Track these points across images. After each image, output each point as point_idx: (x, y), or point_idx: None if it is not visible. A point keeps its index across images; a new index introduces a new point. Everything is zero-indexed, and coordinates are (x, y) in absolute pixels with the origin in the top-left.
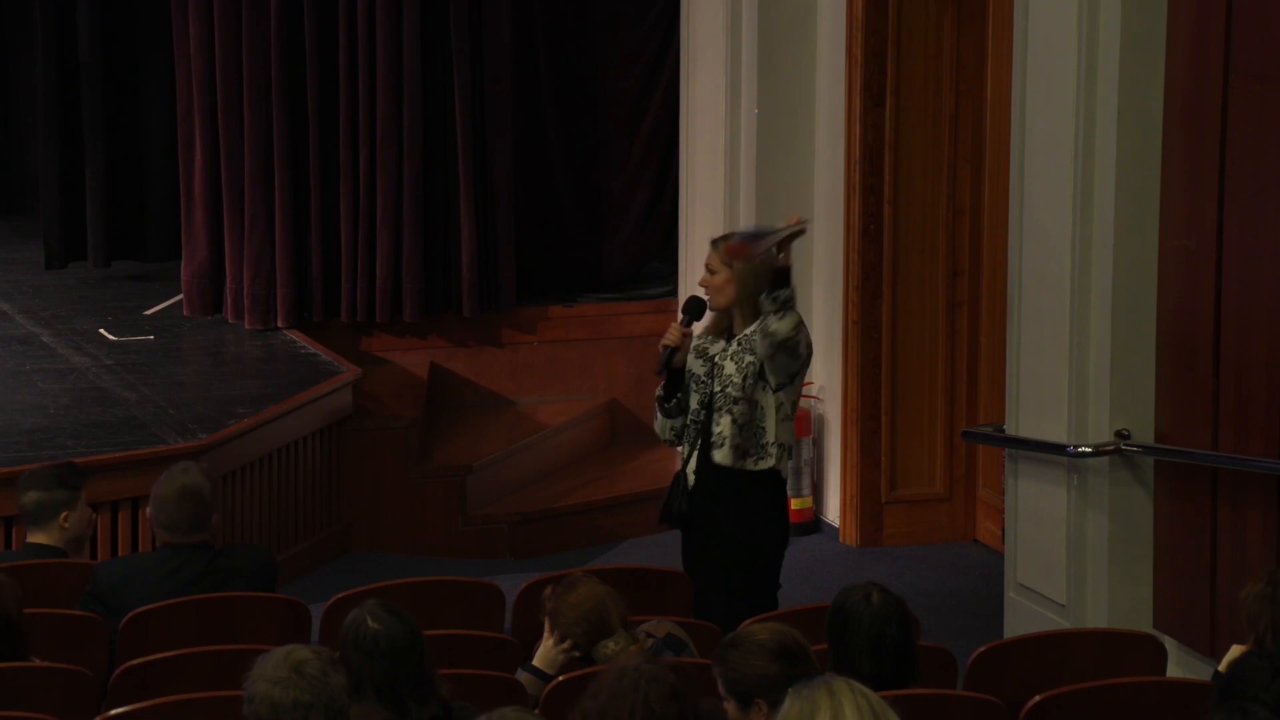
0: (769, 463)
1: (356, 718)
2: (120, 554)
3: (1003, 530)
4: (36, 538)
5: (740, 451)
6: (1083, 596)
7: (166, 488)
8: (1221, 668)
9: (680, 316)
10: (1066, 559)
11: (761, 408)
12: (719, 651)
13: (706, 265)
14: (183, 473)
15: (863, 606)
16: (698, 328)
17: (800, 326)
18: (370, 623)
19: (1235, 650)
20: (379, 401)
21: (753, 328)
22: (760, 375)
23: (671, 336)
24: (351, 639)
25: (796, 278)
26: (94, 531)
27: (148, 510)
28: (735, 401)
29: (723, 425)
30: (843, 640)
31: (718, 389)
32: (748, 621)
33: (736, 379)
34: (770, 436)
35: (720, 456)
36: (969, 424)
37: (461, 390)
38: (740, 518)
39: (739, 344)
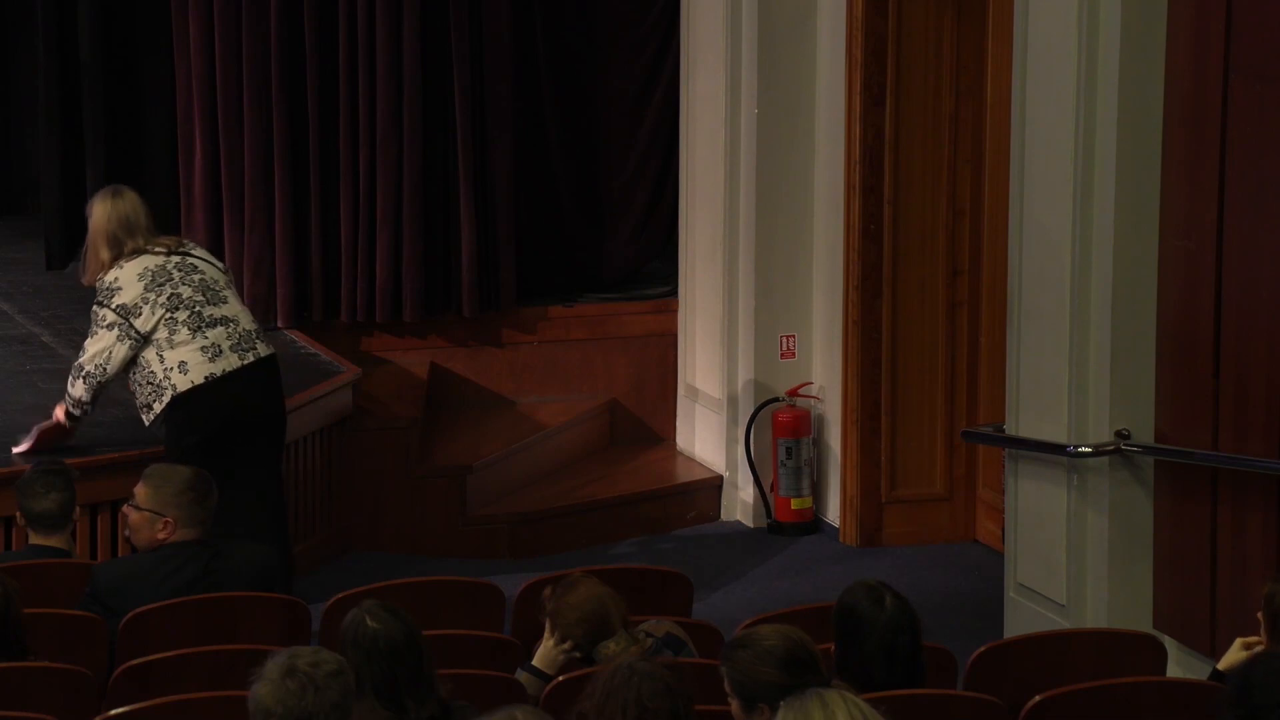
0: (163, 404)
1: (355, 717)
2: (120, 554)
3: (1003, 530)
4: (49, 540)
5: (140, 409)
6: (1083, 596)
7: (176, 480)
8: (1222, 665)
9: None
10: (1066, 559)
11: (141, 363)
12: (727, 649)
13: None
14: (173, 469)
15: (876, 612)
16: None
17: (95, 320)
18: (369, 622)
19: (1238, 644)
20: (379, 401)
21: None
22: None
23: None
24: (350, 639)
25: (797, 278)
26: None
27: (146, 511)
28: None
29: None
30: (855, 644)
31: None
32: (747, 622)
33: None
34: (158, 382)
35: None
36: (969, 424)
37: (461, 390)
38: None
39: None
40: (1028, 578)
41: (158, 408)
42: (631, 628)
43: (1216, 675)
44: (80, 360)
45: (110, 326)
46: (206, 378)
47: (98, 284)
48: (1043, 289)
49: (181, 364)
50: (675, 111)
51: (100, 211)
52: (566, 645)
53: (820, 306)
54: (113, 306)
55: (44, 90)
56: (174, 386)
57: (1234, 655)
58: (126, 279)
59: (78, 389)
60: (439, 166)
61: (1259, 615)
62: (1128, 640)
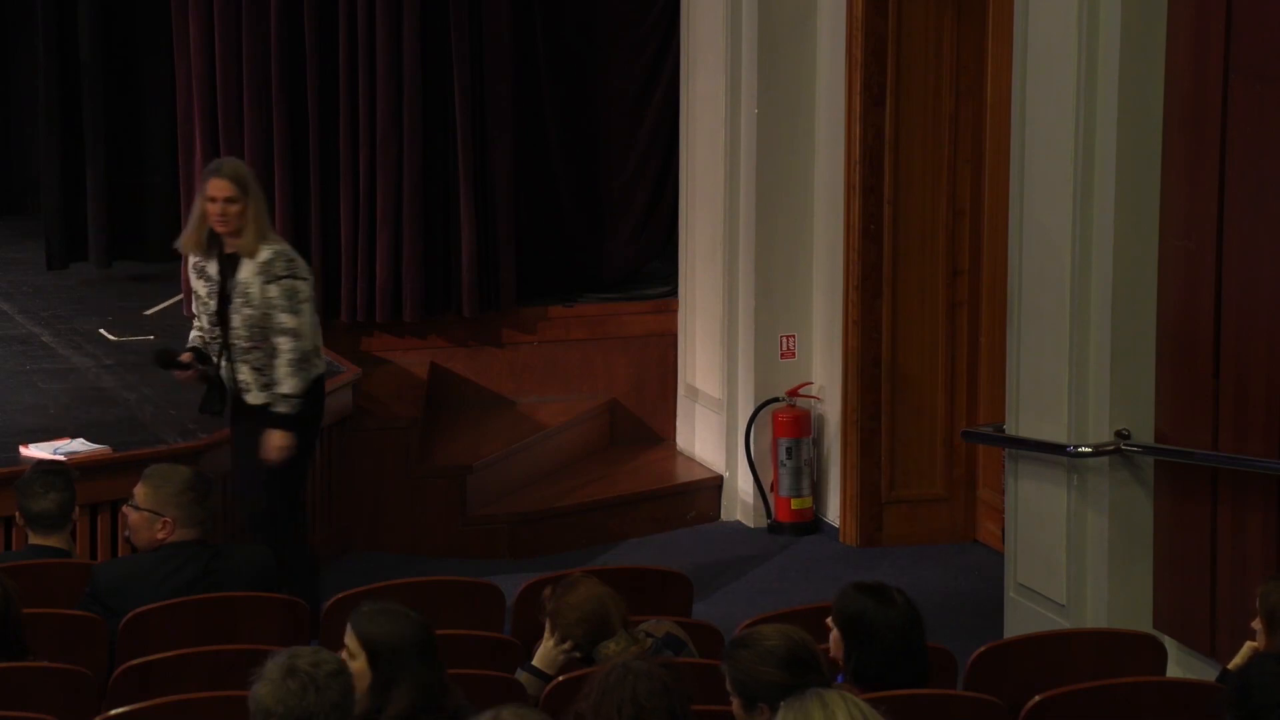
0: (309, 378)
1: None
2: (120, 554)
3: (1003, 530)
4: (49, 540)
5: (268, 385)
6: (1083, 596)
7: (176, 480)
8: (1232, 666)
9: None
10: (1066, 559)
11: (276, 340)
12: (728, 649)
13: (215, 197)
14: (173, 469)
15: (888, 611)
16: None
17: (295, 295)
18: (414, 616)
19: (1248, 647)
20: (379, 401)
21: (252, 272)
22: (266, 322)
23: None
24: (404, 636)
25: (797, 278)
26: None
27: (145, 511)
28: (247, 351)
29: (245, 375)
30: (873, 647)
31: (232, 341)
32: (747, 622)
33: (244, 333)
34: (307, 353)
35: (252, 399)
36: (969, 424)
37: (461, 390)
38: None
39: (240, 295)
40: (1028, 578)
41: (303, 379)
42: (631, 628)
43: (1225, 676)
44: (304, 345)
45: (308, 300)
46: (327, 366)
47: (273, 255)
48: (1043, 289)
49: (317, 348)
50: (675, 111)
51: (254, 180)
52: (566, 645)
53: (820, 306)
54: (305, 277)
55: (44, 90)
56: (316, 366)
57: (1243, 658)
58: (296, 251)
59: (298, 381)
60: (439, 166)
61: (1253, 625)
62: (1128, 640)
